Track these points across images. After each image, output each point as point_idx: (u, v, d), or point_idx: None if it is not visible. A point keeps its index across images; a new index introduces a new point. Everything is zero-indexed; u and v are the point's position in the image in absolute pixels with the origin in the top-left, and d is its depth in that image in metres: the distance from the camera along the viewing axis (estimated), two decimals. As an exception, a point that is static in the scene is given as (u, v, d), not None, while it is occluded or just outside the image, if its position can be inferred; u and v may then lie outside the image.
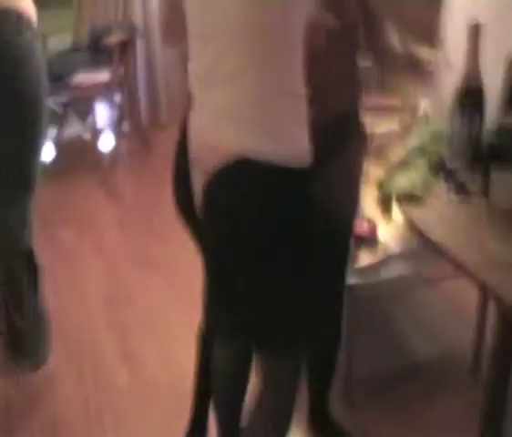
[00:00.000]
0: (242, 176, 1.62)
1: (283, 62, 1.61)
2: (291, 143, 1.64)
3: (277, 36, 1.58)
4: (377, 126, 2.64)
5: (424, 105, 2.56)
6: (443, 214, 1.91)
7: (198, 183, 1.75)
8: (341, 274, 2.28)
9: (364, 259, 2.59)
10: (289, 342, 1.90)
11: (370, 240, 2.63)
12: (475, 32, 2.03)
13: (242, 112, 1.61)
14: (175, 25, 1.86)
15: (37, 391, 2.92)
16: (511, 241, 1.71)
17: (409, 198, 1.98)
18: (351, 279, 2.50)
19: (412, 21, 1.81)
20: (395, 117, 2.69)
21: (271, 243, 1.66)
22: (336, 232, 2.12)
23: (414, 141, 2.21)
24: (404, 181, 2.02)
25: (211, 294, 2.06)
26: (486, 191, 1.87)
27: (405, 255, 2.59)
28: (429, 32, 1.81)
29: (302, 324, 1.88)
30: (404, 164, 2.12)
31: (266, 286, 1.74)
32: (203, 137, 1.71)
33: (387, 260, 2.58)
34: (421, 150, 2.14)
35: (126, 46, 5.00)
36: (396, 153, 2.23)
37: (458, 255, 1.70)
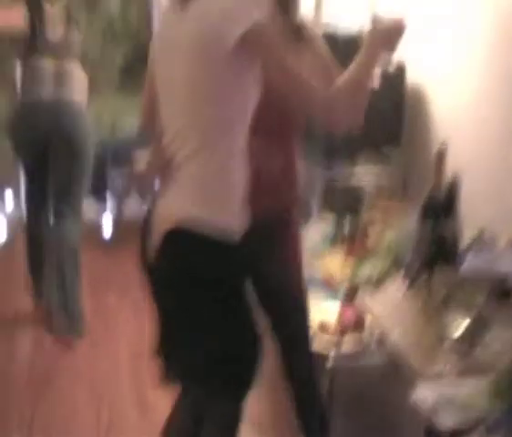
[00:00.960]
0: (182, 240, 2.03)
1: (226, 150, 2.04)
2: (225, 219, 2.04)
3: (221, 127, 2.02)
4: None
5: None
6: (395, 304, 2.30)
7: (154, 242, 2.11)
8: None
9: (348, 344, 2.91)
10: (223, 383, 2.16)
11: (356, 327, 2.96)
12: (440, 156, 2.45)
13: (190, 188, 2.04)
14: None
15: (58, 429, 3.32)
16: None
17: (369, 286, 2.35)
18: (333, 363, 2.84)
19: None
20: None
21: (202, 297, 2.04)
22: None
23: (386, 238, 2.60)
24: (367, 271, 2.40)
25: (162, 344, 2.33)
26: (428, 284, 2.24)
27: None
28: None
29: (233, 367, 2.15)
30: (372, 256, 2.50)
31: (199, 336, 2.10)
32: (160, 206, 2.13)
33: (369, 348, 2.88)
34: (388, 248, 2.52)
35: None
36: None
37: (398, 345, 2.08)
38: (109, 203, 5.71)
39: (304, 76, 2.00)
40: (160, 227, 2.08)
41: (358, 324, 2.98)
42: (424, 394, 1.76)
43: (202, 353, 2.11)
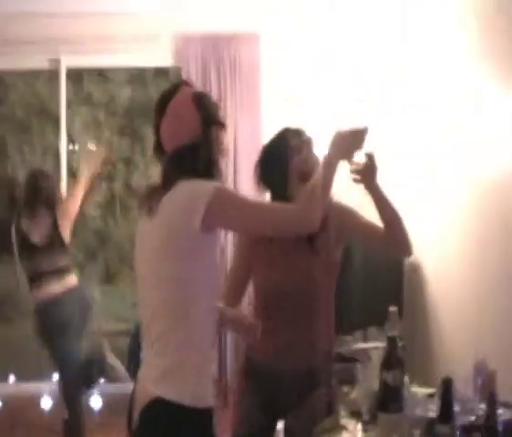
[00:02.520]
0: (156, 412, 2.36)
1: (191, 333, 2.38)
2: (193, 392, 2.36)
3: (185, 312, 2.37)
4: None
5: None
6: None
7: (135, 417, 2.45)
8: None
9: None
10: None
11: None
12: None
13: (160, 366, 2.39)
14: None
15: None
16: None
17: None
18: None
19: None
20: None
21: None
22: None
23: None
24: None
25: None
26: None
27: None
28: None
29: None
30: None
31: None
32: (140, 382, 2.48)
33: None
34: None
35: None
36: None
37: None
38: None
39: (271, 204, 2.48)
40: (141, 400, 2.42)
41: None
42: None
43: None
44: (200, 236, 2.34)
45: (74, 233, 5.17)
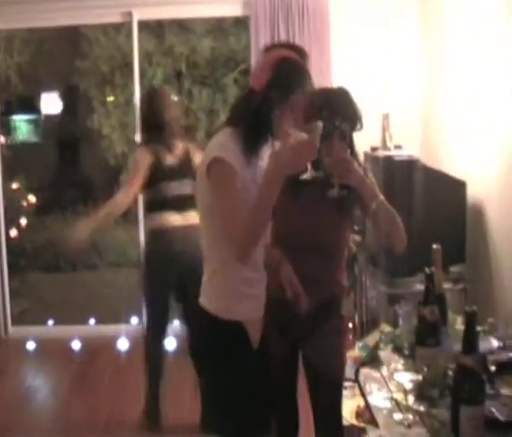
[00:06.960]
0: (194, 313, 2.85)
1: (220, 257, 2.71)
2: (218, 304, 2.75)
3: (215, 239, 2.71)
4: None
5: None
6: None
7: None
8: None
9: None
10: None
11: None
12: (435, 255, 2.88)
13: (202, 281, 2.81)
14: None
15: None
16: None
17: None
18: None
19: None
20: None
21: (207, 363, 2.79)
22: None
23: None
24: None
25: None
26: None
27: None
28: None
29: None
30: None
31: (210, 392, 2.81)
32: None
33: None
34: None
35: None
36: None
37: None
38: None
39: (235, 214, 2.53)
40: None
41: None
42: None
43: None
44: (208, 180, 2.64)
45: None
